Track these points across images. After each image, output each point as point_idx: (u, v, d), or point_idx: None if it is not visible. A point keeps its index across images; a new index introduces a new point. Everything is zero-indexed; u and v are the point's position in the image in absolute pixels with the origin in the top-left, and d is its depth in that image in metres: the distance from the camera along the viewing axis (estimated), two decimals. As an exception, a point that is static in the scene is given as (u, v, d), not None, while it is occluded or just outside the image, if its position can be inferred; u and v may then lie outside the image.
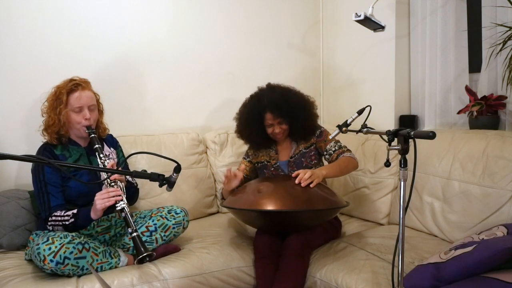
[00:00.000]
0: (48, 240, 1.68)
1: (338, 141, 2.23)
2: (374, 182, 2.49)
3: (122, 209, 1.81)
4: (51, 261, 1.65)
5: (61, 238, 1.71)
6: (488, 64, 2.23)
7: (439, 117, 2.52)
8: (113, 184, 1.87)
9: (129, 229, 1.79)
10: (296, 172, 1.97)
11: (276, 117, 2.16)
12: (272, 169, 2.26)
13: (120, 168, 1.99)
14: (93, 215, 1.81)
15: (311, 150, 2.25)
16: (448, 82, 2.47)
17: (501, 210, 1.89)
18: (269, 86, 2.26)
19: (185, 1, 2.74)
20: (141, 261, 1.77)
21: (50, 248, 1.66)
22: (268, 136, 2.24)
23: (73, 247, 1.70)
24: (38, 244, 1.68)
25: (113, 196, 1.78)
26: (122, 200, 1.82)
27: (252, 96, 2.27)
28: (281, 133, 2.21)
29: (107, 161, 1.94)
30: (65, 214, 1.84)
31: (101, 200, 1.77)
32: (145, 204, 2.39)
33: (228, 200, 2.09)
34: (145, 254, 1.74)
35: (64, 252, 1.67)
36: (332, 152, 2.19)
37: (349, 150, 2.21)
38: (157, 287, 1.80)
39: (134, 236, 1.77)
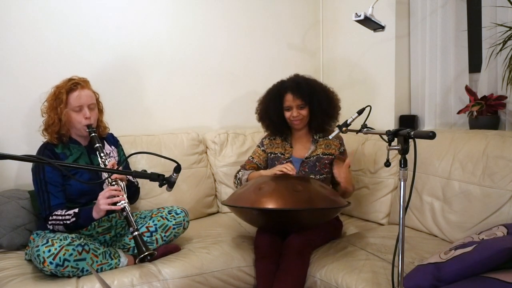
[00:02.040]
0: (47, 242, 1.68)
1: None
2: (374, 182, 2.49)
3: (123, 208, 1.81)
4: (51, 263, 1.65)
5: (60, 240, 1.70)
6: (488, 64, 2.23)
7: (439, 117, 2.52)
8: (114, 183, 1.87)
9: (130, 228, 1.79)
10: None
11: (296, 98, 2.14)
12: (284, 162, 2.21)
13: (121, 168, 1.98)
14: (95, 214, 1.81)
15: (328, 158, 2.23)
16: (448, 82, 2.47)
17: (501, 210, 1.89)
18: (296, 74, 2.29)
19: (185, 1, 2.75)
20: (142, 260, 1.77)
21: (49, 250, 1.65)
22: (286, 123, 2.23)
23: (73, 249, 1.70)
24: (37, 246, 1.68)
25: (118, 201, 1.79)
26: (123, 199, 1.82)
27: (277, 81, 2.30)
28: (299, 119, 2.18)
29: (108, 160, 1.94)
30: (66, 213, 1.84)
31: (105, 200, 1.77)
32: (145, 204, 2.39)
33: (229, 198, 2.09)
34: (146, 253, 1.74)
35: (64, 254, 1.67)
36: None
37: None
38: (157, 287, 1.80)
39: (136, 235, 1.77)
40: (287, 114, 2.20)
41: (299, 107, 2.17)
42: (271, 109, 2.23)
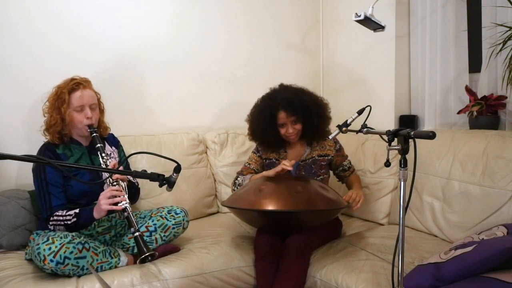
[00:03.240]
0: (48, 240, 1.68)
1: (348, 157, 2.34)
2: (374, 182, 2.49)
3: (125, 209, 1.81)
4: (51, 261, 1.65)
5: (61, 238, 1.70)
6: (488, 64, 2.23)
7: (439, 117, 2.52)
8: (115, 183, 1.87)
9: (131, 228, 1.79)
10: (349, 195, 2.06)
11: (290, 115, 2.11)
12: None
13: (121, 168, 1.98)
14: (96, 214, 1.81)
15: (324, 160, 2.23)
16: (448, 82, 2.47)
17: (501, 210, 1.89)
18: (282, 85, 2.23)
19: (185, 1, 2.75)
20: (143, 261, 1.77)
21: (50, 248, 1.66)
22: (281, 137, 2.19)
23: (73, 247, 1.70)
24: (38, 244, 1.68)
25: (119, 202, 1.79)
26: (124, 199, 1.82)
27: (264, 97, 2.23)
28: (295, 134, 2.16)
29: (109, 160, 1.94)
30: (67, 214, 1.84)
31: (106, 200, 1.77)
32: (145, 204, 2.39)
33: (229, 199, 2.09)
34: (147, 254, 1.74)
35: (64, 252, 1.67)
36: (347, 169, 2.31)
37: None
38: (157, 287, 1.80)
39: (137, 235, 1.77)
40: (282, 131, 2.16)
41: (293, 122, 2.14)
42: (266, 129, 2.17)
